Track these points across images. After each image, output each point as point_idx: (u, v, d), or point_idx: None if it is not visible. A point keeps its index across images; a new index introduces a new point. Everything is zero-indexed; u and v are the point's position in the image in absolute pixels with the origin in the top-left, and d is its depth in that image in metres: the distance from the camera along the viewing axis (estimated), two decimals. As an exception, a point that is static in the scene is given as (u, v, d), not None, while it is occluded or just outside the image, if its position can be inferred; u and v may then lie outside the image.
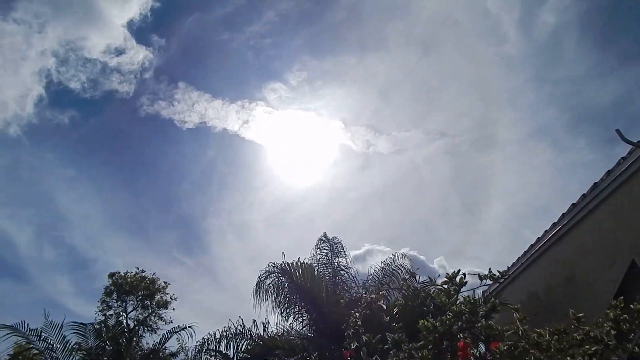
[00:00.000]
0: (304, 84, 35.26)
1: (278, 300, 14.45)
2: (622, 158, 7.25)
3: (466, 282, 4.66)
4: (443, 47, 32.82)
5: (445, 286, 4.91)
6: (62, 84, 30.76)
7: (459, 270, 4.67)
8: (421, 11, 32.51)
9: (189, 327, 16.28)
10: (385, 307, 5.73)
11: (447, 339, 4.84)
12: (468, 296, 4.59)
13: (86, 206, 34.99)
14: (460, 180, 34.79)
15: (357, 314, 5.90)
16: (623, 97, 25.45)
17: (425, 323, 4.53)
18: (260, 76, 36.78)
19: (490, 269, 5.27)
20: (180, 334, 16.00)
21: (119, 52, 31.11)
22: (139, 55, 31.56)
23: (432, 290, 6.64)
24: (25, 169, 33.34)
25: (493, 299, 4.69)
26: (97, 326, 15.53)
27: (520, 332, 4.36)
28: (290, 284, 13.90)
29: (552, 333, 4.51)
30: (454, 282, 4.69)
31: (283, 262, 13.08)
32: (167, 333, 16.04)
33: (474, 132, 33.75)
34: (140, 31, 32.16)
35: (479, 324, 4.44)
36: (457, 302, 4.55)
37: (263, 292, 14.81)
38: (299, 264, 12.54)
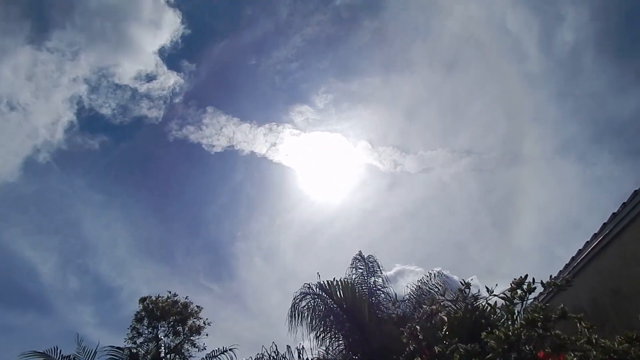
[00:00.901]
0: (331, 106, 35.91)
1: (314, 323, 14.43)
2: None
3: (534, 288, 4.75)
4: (466, 66, 33.26)
5: (509, 293, 5.00)
6: (93, 110, 31.80)
7: (527, 276, 4.76)
8: (443, 32, 33.12)
9: (230, 349, 16.24)
10: (446, 318, 5.82)
11: (515, 350, 4.90)
12: (537, 304, 4.66)
13: (113, 232, 35.57)
14: (489, 198, 34.71)
15: (417, 327, 6.00)
16: None
17: (497, 332, 4.61)
18: (287, 99, 37.60)
19: (551, 276, 5.36)
20: (219, 358, 15.99)
21: (150, 78, 32.18)
22: (169, 80, 32.57)
23: (486, 301, 6.69)
24: (54, 195, 34.13)
25: (561, 306, 4.76)
26: (134, 350, 15.62)
27: (593, 340, 4.41)
28: (327, 305, 13.91)
29: (622, 341, 4.56)
30: (522, 288, 4.77)
31: (321, 281, 13.13)
32: (206, 358, 16.02)
33: (500, 148, 33.83)
34: (171, 57, 33.30)
35: (550, 333, 4.51)
36: (528, 309, 4.63)
37: (298, 315, 14.83)
38: (339, 282, 12.60)
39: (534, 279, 4.79)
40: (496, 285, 5.35)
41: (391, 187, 38.17)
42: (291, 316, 14.96)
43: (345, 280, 12.95)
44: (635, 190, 8.26)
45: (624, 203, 8.71)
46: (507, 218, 32.02)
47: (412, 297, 14.16)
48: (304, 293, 15.40)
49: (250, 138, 34.49)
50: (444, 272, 14.87)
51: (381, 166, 36.03)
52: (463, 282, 6.29)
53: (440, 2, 32.83)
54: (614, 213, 9.12)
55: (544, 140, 31.35)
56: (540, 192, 30.73)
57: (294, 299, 15.40)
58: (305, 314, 15.19)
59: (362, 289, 14.29)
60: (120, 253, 35.96)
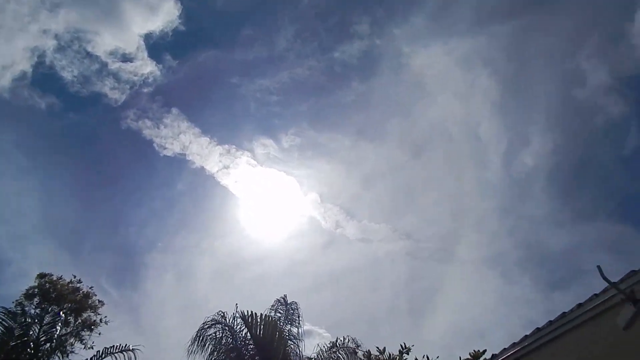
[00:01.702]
0: (295, 149, 36.32)
1: (214, 355, 13.64)
2: (595, 294, 7.69)
3: None
4: (432, 155, 34.95)
5: None
6: (52, 69, 30.24)
7: (485, 351, 4.78)
8: (422, 117, 35.02)
9: (132, 350, 14.83)
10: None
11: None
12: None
13: (23, 201, 32.73)
14: (413, 285, 35.17)
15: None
16: (571, 250, 27.35)
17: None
18: (255, 128, 37.74)
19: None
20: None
21: (126, 59, 31.37)
22: (145, 68, 31.94)
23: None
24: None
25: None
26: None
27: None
28: (236, 339, 13.24)
29: None
30: None
31: (241, 310, 12.59)
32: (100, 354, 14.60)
33: (437, 242, 34.87)
34: (155, 46, 32.86)
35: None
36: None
37: (200, 342, 14.03)
38: (262, 316, 12.12)
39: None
40: None
41: (326, 246, 38.17)
42: (194, 340, 14.15)
43: (270, 317, 12.50)
44: (564, 312, 8.57)
45: (550, 321, 8.99)
46: (424, 309, 32.44)
47: (320, 357, 13.76)
48: (215, 320, 14.70)
49: (205, 153, 34.05)
50: (357, 340, 14.63)
51: (323, 222, 36.22)
52: (379, 349, 6.14)
53: (428, 89, 35.01)
54: (537, 327, 9.38)
55: (478, 248, 32.80)
56: (459, 294, 31.56)
57: (204, 323, 14.66)
58: (208, 344, 14.41)
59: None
60: (23, 225, 32.77)
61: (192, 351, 13.63)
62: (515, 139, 32.40)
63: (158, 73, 33.29)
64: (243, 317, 12.54)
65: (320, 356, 13.47)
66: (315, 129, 37.99)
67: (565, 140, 30.32)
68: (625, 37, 26.92)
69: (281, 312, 14.02)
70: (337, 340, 13.49)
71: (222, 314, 14.58)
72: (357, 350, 12.77)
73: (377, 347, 13.25)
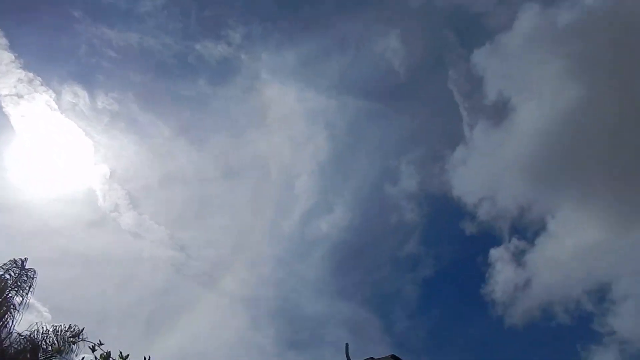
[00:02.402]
0: (107, 114, 33.06)
1: None
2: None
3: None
4: (242, 183, 35.38)
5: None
6: None
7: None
8: (249, 143, 35.91)
9: None
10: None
11: None
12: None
13: None
14: (164, 297, 33.67)
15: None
16: (321, 318, 30.23)
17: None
18: (74, 73, 33.24)
19: None
20: None
21: None
22: None
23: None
24: None
25: None
26: None
27: None
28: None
29: None
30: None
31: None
32: None
33: (208, 265, 34.48)
34: None
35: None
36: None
37: None
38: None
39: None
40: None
41: (93, 225, 34.39)
42: None
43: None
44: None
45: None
46: (163, 325, 31.06)
47: (35, 337, 11.84)
48: None
49: (2, 70, 28.11)
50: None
51: (101, 200, 32.78)
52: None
53: (267, 121, 36.18)
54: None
55: (242, 286, 33.63)
56: (204, 323, 31.18)
57: None
58: None
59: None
60: None
61: None
62: (322, 203, 34.97)
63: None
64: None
65: (35, 336, 11.62)
66: (139, 105, 35.03)
67: (360, 223, 33.80)
68: (443, 161, 31.97)
69: (12, 274, 11.80)
70: (61, 326, 11.86)
71: None
72: (80, 341, 11.32)
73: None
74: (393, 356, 6.98)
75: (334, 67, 35.26)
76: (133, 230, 33.67)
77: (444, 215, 32.69)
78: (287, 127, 37.13)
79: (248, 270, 33.41)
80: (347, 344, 7.40)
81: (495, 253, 27.72)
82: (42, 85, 29.98)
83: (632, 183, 25.42)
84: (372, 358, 7.19)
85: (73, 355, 11.77)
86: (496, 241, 30.23)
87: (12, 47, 29.30)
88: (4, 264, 11.74)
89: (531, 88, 28.30)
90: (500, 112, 29.12)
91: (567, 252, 26.30)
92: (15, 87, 28.98)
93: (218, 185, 36.77)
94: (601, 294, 25.40)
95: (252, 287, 33.32)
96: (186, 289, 33.43)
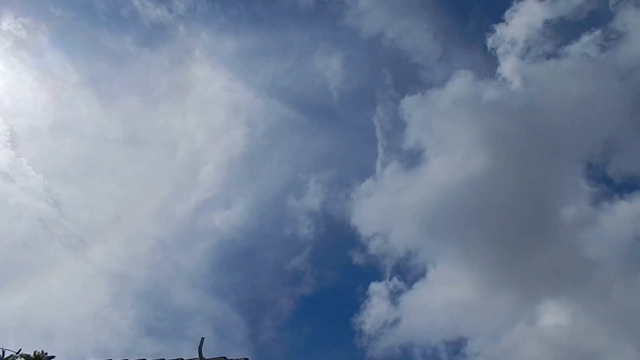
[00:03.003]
0: (10, 38, 28.73)
1: None
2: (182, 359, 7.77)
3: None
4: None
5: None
6: None
7: None
8: None
9: None
10: None
11: None
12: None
13: None
14: None
15: None
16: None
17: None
18: None
19: None
20: None
21: None
22: None
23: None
24: None
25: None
26: None
27: None
28: None
29: None
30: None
31: None
32: None
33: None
34: None
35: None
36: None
37: None
38: None
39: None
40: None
41: None
42: None
43: None
44: None
45: None
46: None
47: None
48: None
49: None
50: None
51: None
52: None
53: None
54: None
55: None
56: None
57: None
58: None
59: None
60: None
61: None
62: (222, 198, 33.62)
63: None
64: None
65: None
66: (51, 41, 29.84)
67: (254, 226, 32.64)
68: (349, 189, 32.49)
69: None
70: None
71: None
72: None
73: None
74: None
75: (270, 68, 34.68)
76: (5, 171, 29.94)
77: (337, 240, 33.21)
78: (206, 112, 35.67)
79: (124, 245, 31.00)
80: (202, 339, 6.92)
81: (374, 287, 28.61)
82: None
83: (505, 254, 27.83)
84: (225, 358, 6.76)
85: None
86: (378, 276, 31.27)
87: None
88: None
89: (446, 146, 30.08)
90: (413, 159, 30.55)
91: (438, 302, 27.91)
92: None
93: (116, 149, 34.04)
94: (457, 347, 27.17)
95: (123, 263, 30.92)
96: (49, 249, 30.15)
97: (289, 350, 30.12)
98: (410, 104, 30.06)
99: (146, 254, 31.15)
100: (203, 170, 32.60)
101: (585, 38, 27.70)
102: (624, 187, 30.18)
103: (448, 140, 30.10)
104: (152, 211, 32.08)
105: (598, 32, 27.51)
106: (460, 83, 29.53)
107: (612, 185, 28.70)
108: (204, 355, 6.82)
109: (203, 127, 34.15)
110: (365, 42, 32.54)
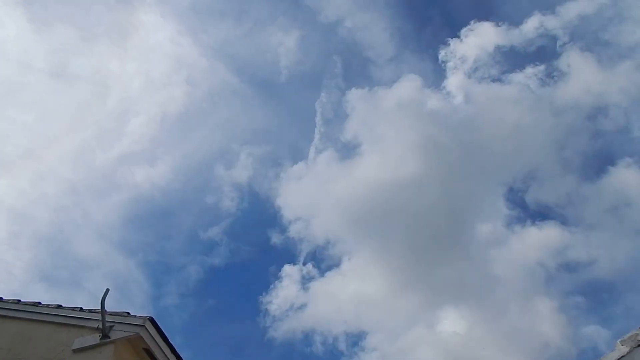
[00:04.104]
0: None
1: None
2: (81, 308, 7.29)
3: None
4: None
5: None
6: None
7: None
8: None
9: None
10: None
11: None
12: None
13: None
14: None
15: None
16: None
17: None
18: None
19: None
20: None
21: None
22: None
23: None
24: None
25: None
26: None
27: None
28: None
29: None
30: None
31: None
32: None
33: None
34: None
35: None
36: None
37: None
38: None
39: None
40: None
41: None
42: None
43: None
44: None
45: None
46: None
47: None
48: None
49: None
50: None
51: None
52: None
53: None
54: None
55: None
56: None
57: None
58: None
59: None
60: None
61: None
62: (148, 153, 32.01)
63: None
64: None
65: None
66: None
67: (176, 188, 31.46)
68: (280, 169, 32.09)
69: None
70: None
71: None
72: None
73: None
74: (151, 319, 6.36)
75: (222, 30, 33.29)
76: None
77: (259, 217, 32.96)
78: (146, 62, 33.73)
79: (31, 182, 28.48)
80: (107, 290, 6.54)
81: (288, 269, 28.82)
82: None
83: (417, 258, 29.14)
84: (128, 313, 6.47)
85: None
86: (293, 260, 31.44)
87: None
88: None
89: (382, 145, 30.67)
90: (349, 151, 30.87)
91: (347, 293, 28.68)
92: None
93: (41, 79, 31.17)
94: (357, 340, 28.14)
95: (26, 201, 28.47)
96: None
97: (189, 319, 29.61)
98: (355, 97, 30.29)
99: (54, 195, 29.06)
100: (133, 121, 30.79)
101: (529, 70, 28.98)
102: (538, 215, 32.63)
103: (385, 140, 30.67)
104: (69, 152, 29.80)
105: (542, 67, 28.87)
106: (408, 87, 30.13)
107: (527, 211, 30.98)
108: (106, 309, 6.48)
109: (140, 76, 32.14)
110: (323, 26, 32.22)
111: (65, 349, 6.21)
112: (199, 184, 33.90)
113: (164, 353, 6.27)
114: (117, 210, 29.48)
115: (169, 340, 6.37)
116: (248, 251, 32.29)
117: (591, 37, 29.52)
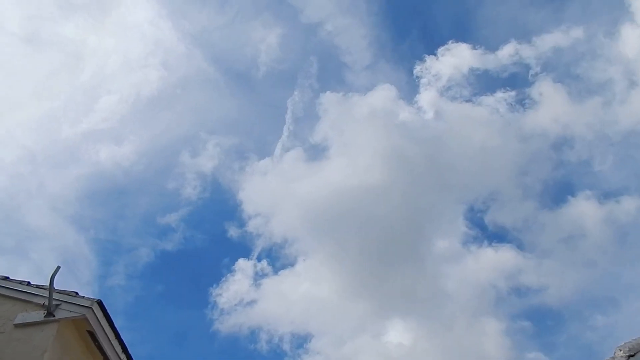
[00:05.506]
0: None
1: None
2: (29, 282, 7.19)
3: None
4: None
5: None
6: None
7: None
8: None
9: None
10: None
11: None
12: None
13: None
14: None
15: None
16: None
17: None
18: None
19: None
20: None
21: None
22: None
23: None
24: None
25: None
26: None
27: None
28: None
29: None
30: None
31: None
32: None
33: None
34: None
35: None
36: None
37: None
38: None
39: None
40: None
41: None
42: None
43: None
44: None
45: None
46: None
47: None
48: None
49: None
50: None
51: None
52: None
53: None
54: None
55: None
56: None
57: None
58: None
59: None
60: None
61: None
62: (116, 132, 30.65)
63: None
64: None
65: None
66: None
67: (138, 170, 30.39)
68: (246, 163, 31.99)
69: None
70: None
71: None
72: None
73: None
74: (99, 302, 6.37)
75: (203, 18, 32.63)
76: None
77: (218, 208, 32.72)
78: (124, 41, 32.81)
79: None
80: (58, 267, 6.48)
81: (242, 264, 28.74)
82: None
83: (371, 267, 29.54)
84: (76, 293, 6.46)
85: None
86: (248, 255, 31.36)
87: None
88: None
89: (350, 151, 31.00)
90: (317, 153, 31.08)
91: (298, 294, 28.84)
92: None
93: (12, 43, 29.60)
94: (301, 342, 28.25)
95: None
96: None
97: (135, 301, 29.07)
98: (328, 100, 30.40)
99: (10, 161, 27.90)
100: (105, 98, 29.98)
101: (500, 94, 29.62)
102: (495, 236, 33.88)
103: (354, 146, 30.94)
104: (33, 120, 28.77)
105: (513, 93, 29.61)
106: (382, 96, 30.37)
107: (485, 232, 31.46)
108: (54, 287, 6.42)
109: (117, 54, 31.38)
110: (303, 26, 32.17)
111: (7, 323, 6.11)
112: (163, 169, 33.42)
113: (108, 338, 6.26)
114: (74, 184, 28.63)
115: (115, 325, 6.38)
116: (203, 240, 32.00)
117: (563, 69, 30.47)
